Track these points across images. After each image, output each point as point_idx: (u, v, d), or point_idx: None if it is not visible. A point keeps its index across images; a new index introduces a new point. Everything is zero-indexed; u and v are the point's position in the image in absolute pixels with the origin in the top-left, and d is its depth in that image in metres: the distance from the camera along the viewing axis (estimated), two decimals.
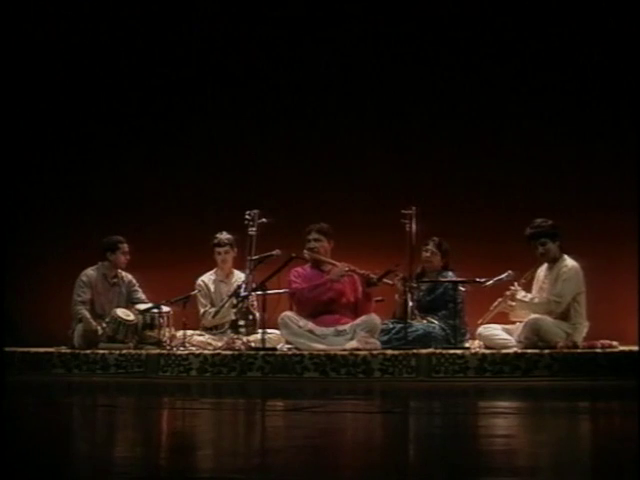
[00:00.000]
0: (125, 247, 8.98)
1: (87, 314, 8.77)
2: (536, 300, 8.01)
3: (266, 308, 8.30)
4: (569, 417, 5.58)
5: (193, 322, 8.72)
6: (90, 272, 9.00)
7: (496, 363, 7.59)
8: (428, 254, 8.47)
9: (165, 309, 8.67)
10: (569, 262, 8.00)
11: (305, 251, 8.44)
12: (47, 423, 5.26)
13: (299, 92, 9.61)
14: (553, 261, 8.07)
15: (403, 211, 8.29)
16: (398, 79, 9.46)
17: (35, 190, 10.01)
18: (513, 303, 8.07)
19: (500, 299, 8.09)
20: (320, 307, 8.34)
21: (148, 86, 9.93)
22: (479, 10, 9.29)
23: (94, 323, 8.72)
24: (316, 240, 8.45)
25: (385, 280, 8.24)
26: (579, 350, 7.73)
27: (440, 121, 9.40)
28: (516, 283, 8.06)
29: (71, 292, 8.91)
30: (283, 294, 8.41)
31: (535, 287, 8.18)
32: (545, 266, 8.14)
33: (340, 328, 8.23)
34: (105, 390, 7.54)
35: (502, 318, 8.23)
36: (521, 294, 8.06)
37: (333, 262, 8.46)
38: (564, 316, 7.93)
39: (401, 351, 7.82)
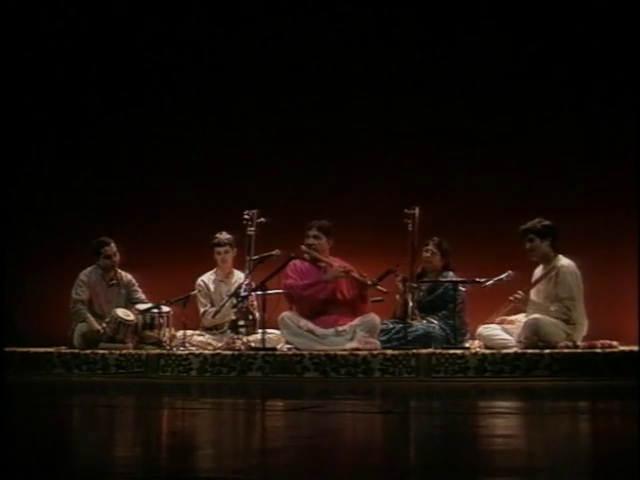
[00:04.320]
0: (108, 250, 8.92)
1: (89, 314, 8.78)
2: (552, 308, 7.94)
3: (266, 308, 8.30)
4: (569, 417, 5.58)
5: (193, 322, 8.73)
6: (88, 272, 9.00)
7: (496, 363, 7.59)
8: (428, 254, 8.47)
9: (165, 309, 8.67)
10: (566, 262, 8.01)
11: (302, 247, 8.45)
12: (47, 423, 5.26)
13: (299, 91, 9.61)
14: (546, 261, 8.08)
15: (405, 211, 8.30)
16: (399, 79, 9.45)
17: (35, 190, 10.01)
18: (521, 316, 8.05)
19: (507, 304, 8.06)
20: (317, 306, 8.34)
21: (148, 86, 9.92)
22: (480, 7, 9.29)
23: (96, 323, 8.72)
24: (315, 237, 8.45)
25: (379, 287, 8.24)
26: (579, 350, 7.73)
27: (441, 121, 9.39)
28: (520, 291, 8.02)
29: (70, 292, 8.92)
30: (283, 294, 8.41)
31: (533, 288, 8.17)
32: (541, 267, 8.16)
33: (340, 328, 8.23)
34: (105, 390, 7.54)
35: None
36: (536, 300, 8.02)
37: (329, 262, 8.46)
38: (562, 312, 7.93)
39: (401, 351, 7.81)
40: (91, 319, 8.74)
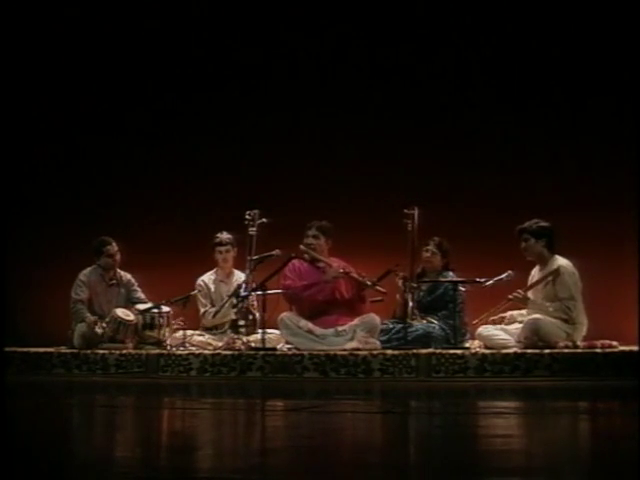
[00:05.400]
0: (110, 249, 8.91)
1: (88, 314, 8.76)
2: (551, 309, 7.94)
3: (266, 308, 8.30)
4: (569, 417, 5.58)
5: (193, 322, 8.72)
6: (88, 272, 8.99)
7: (496, 363, 7.59)
8: (428, 254, 8.47)
9: (165, 309, 8.66)
10: (563, 262, 8.01)
11: (301, 246, 8.45)
12: (47, 423, 5.26)
13: (300, 91, 9.60)
14: (541, 261, 8.09)
15: (405, 211, 8.30)
16: (400, 79, 9.45)
17: (35, 190, 10.01)
18: (523, 313, 8.04)
19: (505, 302, 8.06)
20: (317, 307, 8.34)
21: (149, 86, 9.92)
22: (477, 9, 9.29)
23: (96, 323, 8.70)
24: (314, 237, 8.46)
25: (378, 288, 8.24)
26: (579, 350, 7.73)
27: (441, 121, 9.39)
28: (520, 290, 8.02)
29: (70, 292, 8.92)
30: (282, 294, 8.41)
31: (531, 289, 8.16)
32: (537, 268, 8.16)
33: (340, 329, 8.23)
34: (105, 390, 7.54)
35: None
36: (536, 300, 8.01)
37: (327, 262, 8.47)
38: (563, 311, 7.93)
39: (401, 351, 7.81)
40: (90, 319, 8.72)
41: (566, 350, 7.67)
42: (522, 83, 9.24)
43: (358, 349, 7.93)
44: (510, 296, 8.02)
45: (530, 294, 8.05)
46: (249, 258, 8.44)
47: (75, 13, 9.83)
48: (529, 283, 8.16)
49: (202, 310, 8.85)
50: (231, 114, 9.75)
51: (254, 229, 8.47)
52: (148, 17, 9.81)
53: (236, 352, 8.08)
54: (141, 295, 9.03)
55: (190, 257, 9.29)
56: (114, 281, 9.02)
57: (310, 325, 8.25)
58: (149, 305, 8.75)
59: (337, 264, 8.45)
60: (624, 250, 8.59)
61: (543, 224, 8.10)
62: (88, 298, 8.92)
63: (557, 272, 7.94)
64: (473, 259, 8.62)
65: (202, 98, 9.84)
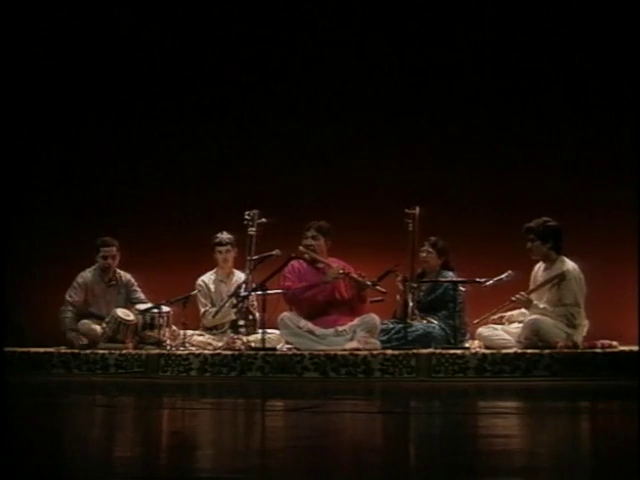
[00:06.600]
0: (106, 251, 8.89)
1: (69, 315, 8.78)
2: (554, 314, 7.91)
3: (266, 308, 8.30)
4: (569, 417, 5.58)
5: (193, 322, 8.72)
6: (87, 274, 8.99)
7: (496, 363, 7.59)
8: (424, 254, 8.45)
9: (165, 309, 8.66)
10: (570, 266, 7.95)
11: (300, 247, 8.45)
12: (47, 423, 5.26)
13: (300, 91, 9.60)
14: (547, 260, 8.06)
15: (406, 211, 8.29)
16: (400, 79, 9.45)
17: (35, 191, 10.00)
18: (525, 313, 8.03)
19: (508, 303, 8.04)
20: (317, 308, 8.34)
21: (150, 86, 9.91)
22: (479, 9, 9.29)
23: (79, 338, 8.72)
24: (313, 237, 8.46)
25: (378, 288, 8.23)
26: (579, 350, 7.72)
27: (442, 121, 9.39)
28: (523, 293, 7.99)
29: None
30: (281, 295, 8.41)
31: (532, 287, 8.15)
32: (542, 266, 8.13)
33: (340, 329, 8.23)
34: (105, 390, 7.54)
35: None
36: (539, 305, 7.98)
37: (327, 262, 8.46)
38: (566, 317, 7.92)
39: (401, 351, 7.81)
40: (71, 334, 8.72)
41: (566, 350, 7.66)
42: (524, 83, 9.24)
43: (358, 349, 7.93)
44: (513, 298, 8.00)
45: (533, 296, 8.03)
46: (249, 258, 8.44)
47: (77, 14, 9.83)
48: (532, 281, 8.14)
49: (202, 310, 8.85)
50: (231, 114, 9.75)
51: (254, 229, 8.47)
52: (151, 17, 9.81)
53: (236, 352, 8.08)
54: (141, 295, 9.02)
55: (190, 257, 9.29)
56: (113, 282, 9.02)
57: (310, 325, 8.25)
58: (149, 305, 8.75)
59: (337, 264, 8.45)
60: (624, 250, 8.59)
61: (551, 224, 8.00)
62: (83, 301, 8.92)
63: (563, 276, 7.90)
64: (473, 259, 8.62)
65: (202, 98, 9.83)
